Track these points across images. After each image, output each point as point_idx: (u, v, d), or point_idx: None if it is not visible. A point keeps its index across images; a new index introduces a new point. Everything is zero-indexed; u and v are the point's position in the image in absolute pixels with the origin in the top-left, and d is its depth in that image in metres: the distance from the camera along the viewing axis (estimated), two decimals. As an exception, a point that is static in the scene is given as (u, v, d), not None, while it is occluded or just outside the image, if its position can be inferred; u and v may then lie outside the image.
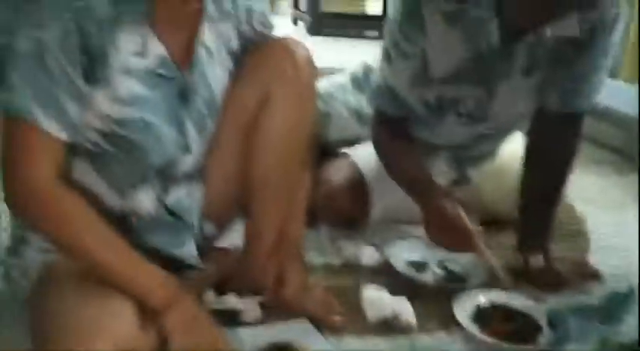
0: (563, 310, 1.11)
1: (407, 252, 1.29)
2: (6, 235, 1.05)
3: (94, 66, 0.82)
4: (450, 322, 1.10)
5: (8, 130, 0.81)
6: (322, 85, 1.40)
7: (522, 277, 1.25)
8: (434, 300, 1.16)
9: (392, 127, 1.27)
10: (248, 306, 1.05)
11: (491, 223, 1.44)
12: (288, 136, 1.03)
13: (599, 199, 1.82)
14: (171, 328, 0.84)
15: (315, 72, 1.05)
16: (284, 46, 1.02)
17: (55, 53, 0.79)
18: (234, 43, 1.02)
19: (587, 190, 1.84)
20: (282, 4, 5.09)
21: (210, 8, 0.95)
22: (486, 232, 1.32)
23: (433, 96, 1.25)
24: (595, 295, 1.21)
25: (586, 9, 1.12)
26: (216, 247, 1.13)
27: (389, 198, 1.37)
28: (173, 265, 0.97)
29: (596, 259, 1.41)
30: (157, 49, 0.89)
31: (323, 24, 4.29)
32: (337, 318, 1.08)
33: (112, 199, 0.94)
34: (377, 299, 1.11)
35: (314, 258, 1.30)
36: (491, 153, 1.49)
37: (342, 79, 1.51)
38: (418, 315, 1.10)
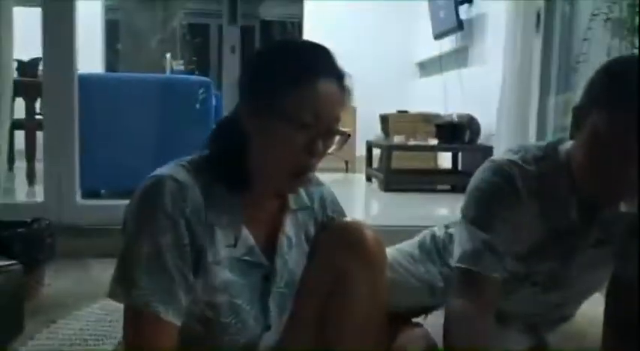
0: None
1: None
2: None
3: (198, 260, 0.93)
4: None
5: (132, 318, 0.91)
6: (391, 253, 1.44)
7: None
8: None
9: (482, 289, 1.20)
10: None
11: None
12: (362, 313, 1.07)
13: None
14: None
15: (383, 252, 1.12)
16: (354, 229, 1.10)
17: (172, 254, 0.90)
18: (311, 230, 1.12)
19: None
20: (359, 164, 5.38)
21: (292, 203, 1.07)
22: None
23: (509, 270, 1.26)
24: None
25: None
26: None
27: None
28: None
29: None
30: (247, 240, 1.00)
31: (395, 180, 4.45)
32: None
33: None
34: None
35: None
36: (568, 317, 1.46)
37: (410, 248, 1.55)
38: None
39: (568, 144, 1.19)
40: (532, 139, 3.07)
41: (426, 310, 1.45)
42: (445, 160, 5.14)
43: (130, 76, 4.04)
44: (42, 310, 1.78)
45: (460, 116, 4.48)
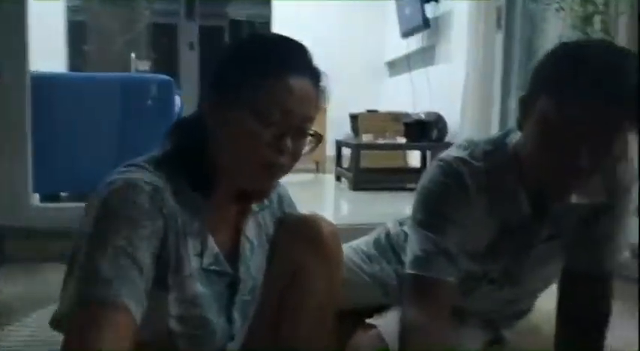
0: None
1: None
2: None
3: (166, 273, 0.87)
4: None
5: (73, 319, 0.78)
6: (346, 252, 1.42)
7: None
8: None
9: (436, 295, 1.16)
10: None
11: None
12: (317, 307, 1.06)
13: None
14: None
15: (339, 245, 1.10)
16: (310, 222, 1.08)
17: (141, 247, 0.81)
18: (270, 228, 1.09)
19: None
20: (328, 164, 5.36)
21: (253, 204, 1.04)
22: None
23: (463, 270, 1.23)
24: None
25: (610, 173, 1.13)
26: None
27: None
28: None
29: None
30: (213, 248, 0.95)
31: (364, 179, 4.44)
32: None
33: None
34: None
35: None
36: (525, 312, 1.45)
37: (365, 247, 1.53)
38: None
39: (516, 136, 1.15)
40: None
41: (379, 309, 1.42)
42: (414, 158, 5.15)
43: (85, 76, 3.96)
44: (-11, 317, 1.72)
45: (428, 114, 4.49)
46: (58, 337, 0.87)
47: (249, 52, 0.91)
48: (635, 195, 1.20)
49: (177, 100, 3.11)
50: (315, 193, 4.71)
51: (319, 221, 1.07)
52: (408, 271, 1.15)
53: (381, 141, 4.64)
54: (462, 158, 1.16)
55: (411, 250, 1.16)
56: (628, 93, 0.93)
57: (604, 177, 1.13)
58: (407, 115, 4.85)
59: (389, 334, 1.29)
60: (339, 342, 1.31)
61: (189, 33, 2.66)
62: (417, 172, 4.92)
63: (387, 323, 1.31)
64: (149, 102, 2.80)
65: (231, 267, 0.98)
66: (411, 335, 1.13)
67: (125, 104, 2.93)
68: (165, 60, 6.77)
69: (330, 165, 5.29)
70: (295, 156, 0.92)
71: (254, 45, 0.93)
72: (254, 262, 1.04)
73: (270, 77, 0.88)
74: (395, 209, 3.76)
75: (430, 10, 4.87)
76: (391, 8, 5.63)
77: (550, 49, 1.06)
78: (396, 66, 6.15)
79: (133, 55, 5.10)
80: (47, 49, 4.28)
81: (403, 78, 5.74)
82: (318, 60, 0.95)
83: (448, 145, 4.75)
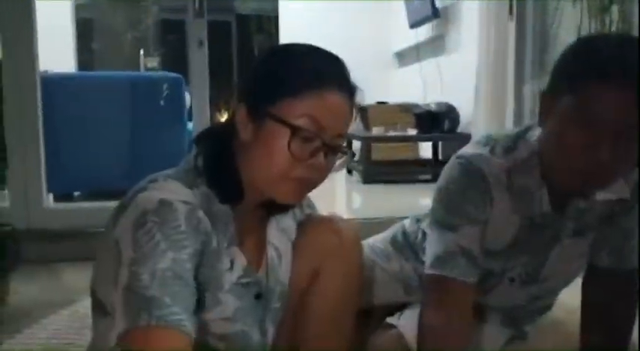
0: None
1: None
2: None
3: (204, 292, 0.86)
4: None
5: (138, 340, 0.74)
6: (365, 251, 1.40)
7: None
8: None
9: (456, 296, 1.14)
10: None
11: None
12: (336, 310, 1.05)
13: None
14: None
15: (360, 247, 1.09)
16: (331, 224, 1.07)
17: (188, 268, 0.79)
18: (293, 233, 1.07)
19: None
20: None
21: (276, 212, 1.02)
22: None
23: (484, 268, 1.21)
24: None
25: (631, 171, 1.11)
26: None
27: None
28: None
29: None
30: (241, 260, 0.94)
31: (375, 172, 4.42)
32: None
33: None
34: None
35: None
36: (546, 307, 1.44)
37: (382, 245, 1.51)
38: None
39: (537, 132, 1.13)
40: (509, 125, 3.05)
41: (400, 307, 1.41)
42: (426, 150, 5.11)
43: (95, 75, 3.97)
44: (7, 320, 1.73)
45: (439, 105, 4.45)
46: (75, 338, 0.86)
47: (287, 65, 0.89)
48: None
49: (187, 97, 3.11)
50: (326, 186, 4.68)
51: (340, 223, 1.07)
52: (428, 271, 1.13)
53: (391, 133, 4.61)
54: (481, 155, 1.13)
55: (431, 249, 1.14)
56: None
57: (629, 173, 1.11)
58: (417, 106, 4.80)
59: (409, 333, 1.27)
60: (360, 340, 1.30)
61: (197, 30, 2.64)
62: (428, 164, 4.90)
63: (407, 323, 1.30)
64: (161, 101, 2.79)
65: (259, 278, 0.98)
66: (430, 337, 1.12)
67: (136, 103, 2.93)
68: (174, 56, 6.77)
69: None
70: (326, 172, 0.91)
71: (292, 58, 0.91)
72: (282, 270, 1.03)
73: (309, 93, 0.86)
74: (407, 202, 3.75)
75: (439, -1, 4.82)
76: (399, -1, 5.58)
77: (571, 43, 1.04)
78: (405, 56, 6.10)
79: (141, 52, 5.09)
80: (56, 48, 4.29)
81: (413, 68, 5.69)
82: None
83: (460, 135, 4.70)
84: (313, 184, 0.91)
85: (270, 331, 1.01)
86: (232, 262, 0.91)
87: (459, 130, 4.37)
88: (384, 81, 6.19)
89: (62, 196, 3.02)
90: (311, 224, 1.07)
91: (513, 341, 1.40)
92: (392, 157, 4.88)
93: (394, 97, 5.41)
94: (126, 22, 6.83)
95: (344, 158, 0.94)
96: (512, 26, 2.97)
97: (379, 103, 5.21)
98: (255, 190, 0.93)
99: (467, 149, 1.18)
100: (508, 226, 1.17)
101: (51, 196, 2.68)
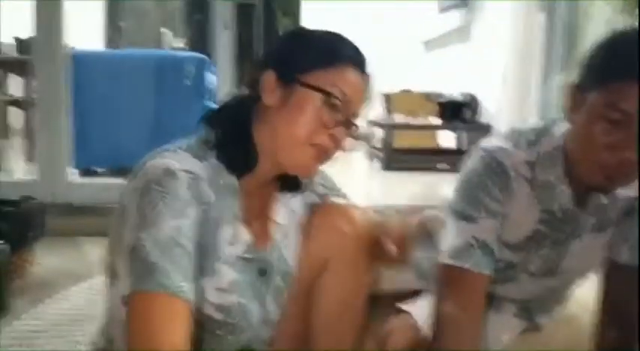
0: None
1: None
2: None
3: (202, 260, 0.88)
4: None
5: (140, 305, 0.78)
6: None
7: None
8: None
9: (471, 287, 1.15)
10: None
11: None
12: (345, 302, 1.05)
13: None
14: None
15: (370, 237, 1.06)
16: (340, 213, 1.06)
17: (189, 236, 0.83)
18: (302, 214, 1.07)
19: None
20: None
21: (285, 192, 1.04)
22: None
23: (503, 260, 1.21)
24: None
25: None
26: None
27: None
28: None
29: None
30: (244, 235, 0.95)
31: (396, 159, 4.41)
32: None
33: None
34: None
35: None
36: (562, 300, 1.44)
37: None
38: None
39: (563, 126, 1.12)
40: (534, 117, 3.02)
41: (413, 293, 1.42)
42: (446, 139, 5.09)
43: (123, 53, 4.00)
44: (30, 289, 1.78)
45: (462, 94, 4.42)
46: (97, 311, 0.88)
47: (324, 40, 0.95)
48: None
49: (213, 78, 3.13)
50: (346, 171, 4.71)
51: (353, 212, 1.05)
52: (444, 261, 1.14)
53: (414, 121, 4.59)
54: (504, 148, 1.13)
55: (448, 239, 1.15)
56: None
57: None
58: (441, 95, 4.77)
59: (423, 321, 1.29)
60: (372, 326, 1.32)
61: (224, 12, 2.65)
62: (449, 153, 4.88)
63: (421, 311, 1.31)
64: (186, 81, 2.82)
65: (263, 253, 0.99)
66: (444, 327, 1.13)
67: (162, 82, 2.96)
68: (200, 38, 6.79)
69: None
70: (341, 146, 0.94)
71: (328, 34, 0.96)
72: (286, 248, 1.03)
73: (341, 67, 0.91)
74: (427, 190, 3.75)
75: (468, -13, 4.77)
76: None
77: (602, 38, 1.02)
78: (431, 44, 6.05)
79: (165, 30, 5.12)
80: (86, 25, 4.34)
81: (439, 57, 5.65)
82: (352, 39, 0.98)
83: (481, 126, 4.67)
84: (328, 155, 0.94)
85: (272, 307, 1.00)
86: (235, 236, 0.93)
87: (483, 120, 4.34)
88: (410, 68, 6.15)
89: (87, 172, 3.07)
90: (325, 211, 1.07)
91: (528, 332, 1.41)
92: (413, 145, 4.87)
93: (419, 85, 5.37)
94: (153, 1, 6.86)
95: (356, 139, 0.97)
96: (542, 17, 2.92)
97: (403, 90, 5.19)
98: (268, 160, 0.94)
99: (490, 141, 1.18)
100: (529, 220, 1.17)
101: (76, 172, 2.74)
